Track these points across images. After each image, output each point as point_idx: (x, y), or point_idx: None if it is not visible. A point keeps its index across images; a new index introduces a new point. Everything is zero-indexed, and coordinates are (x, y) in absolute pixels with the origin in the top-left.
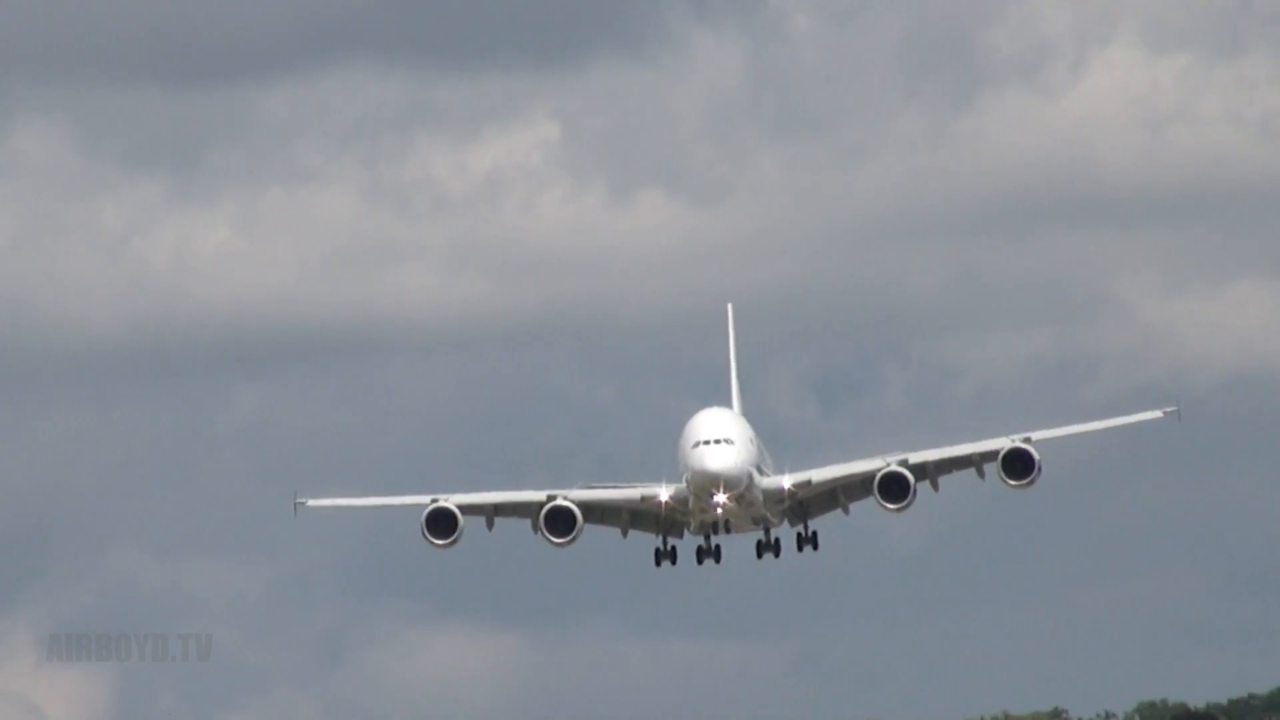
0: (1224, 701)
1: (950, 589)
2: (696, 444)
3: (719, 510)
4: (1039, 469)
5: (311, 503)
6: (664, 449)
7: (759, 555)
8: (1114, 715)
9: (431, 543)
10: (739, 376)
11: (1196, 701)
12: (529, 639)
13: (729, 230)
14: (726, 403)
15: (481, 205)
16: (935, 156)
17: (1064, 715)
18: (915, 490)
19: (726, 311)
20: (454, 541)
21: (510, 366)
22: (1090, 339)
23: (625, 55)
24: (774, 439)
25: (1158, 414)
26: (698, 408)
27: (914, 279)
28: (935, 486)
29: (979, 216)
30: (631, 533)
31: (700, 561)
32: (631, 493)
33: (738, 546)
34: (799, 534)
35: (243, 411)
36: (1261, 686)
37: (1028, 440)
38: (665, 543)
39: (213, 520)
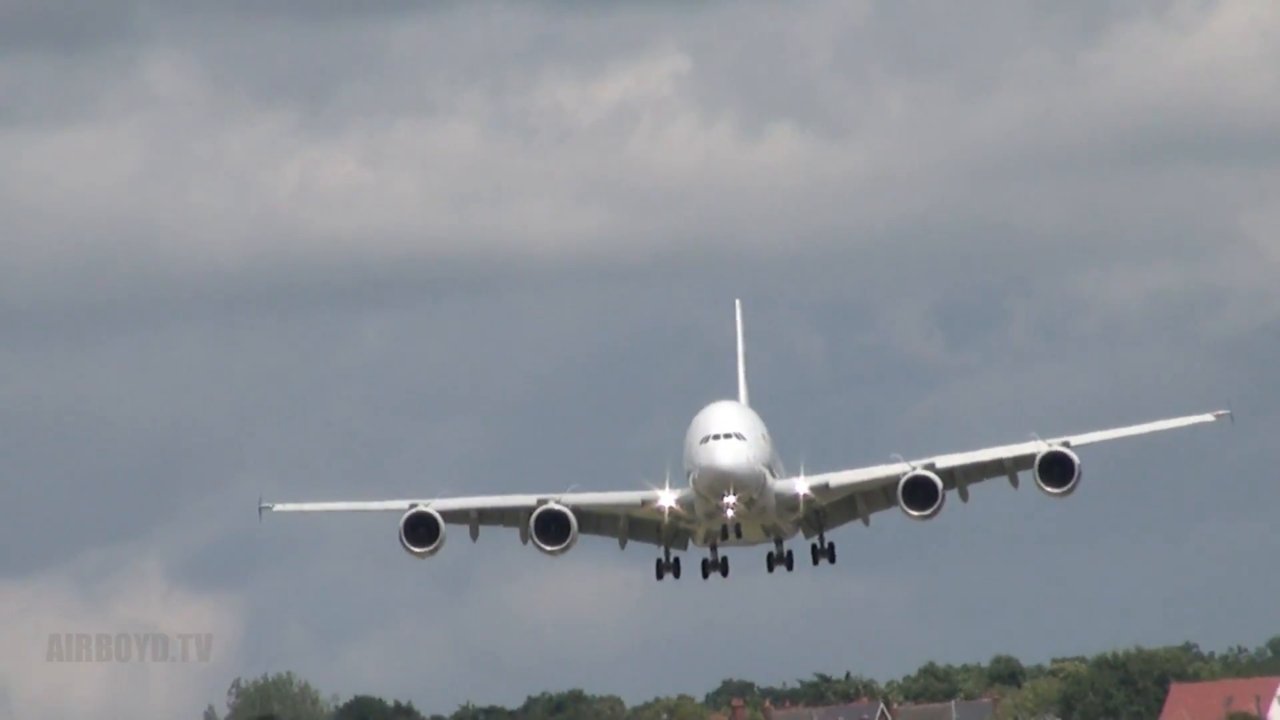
0: None
1: (1080, 526)
2: (705, 439)
3: (728, 514)
4: (1079, 475)
5: (278, 508)
6: (792, 382)
7: (770, 568)
8: (1245, 650)
9: (410, 550)
10: (746, 372)
11: None
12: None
13: (857, 164)
14: (738, 397)
15: (609, 138)
16: (1062, 92)
17: (1195, 650)
18: (944, 497)
19: (735, 308)
20: (434, 550)
21: (636, 301)
22: (1216, 275)
23: None
24: (903, 372)
25: (1209, 418)
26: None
27: (1039, 214)
28: (964, 496)
29: (1106, 152)
30: (631, 544)
31: (705, 575)
32: (631, 497)
33: (745, 560)
34: (814, 545)
35: (366, 342)
36: None
37: (1066, 444)
38: (668, 554)
39: (337, 449)
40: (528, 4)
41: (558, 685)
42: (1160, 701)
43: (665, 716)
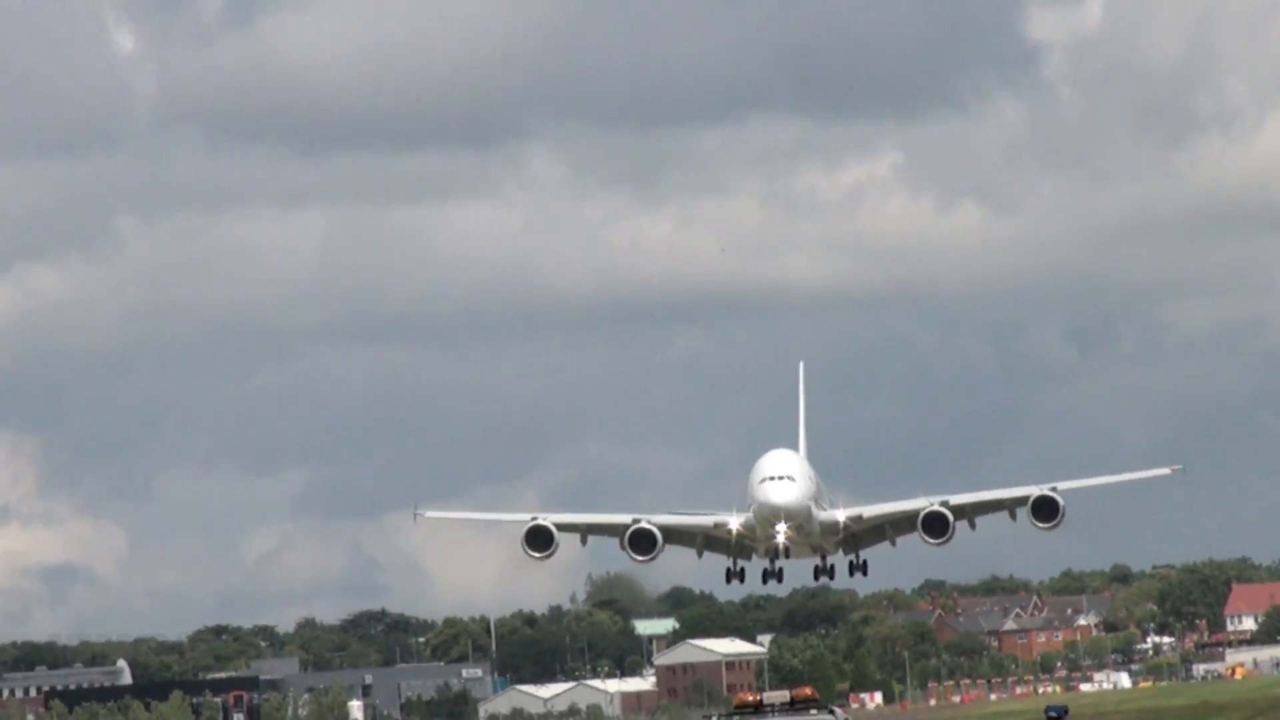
0: None
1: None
2: (763, 480)
3: (781, 538)
4: (1063, 514)
5: (429, 514)
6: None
7: (816, 579)
8: None
9: (530, 555)
10: (807, 430)
11: None
12: None
13: (1018, 231)
14: (796, 447)
15: (847, 209)
16: (1157, 182)
17: (1250, 561)
18: (954, 528)
19: (798, 370)
20: (549, 555)
21: (864, 328)
22: (1265, 309)
23: (949, 108)
24: (1047, 371)
25: (1166, 471)
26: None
27: (1143, 264)
28: (973, 525)
29: (1191, 223)
30: (706, 554)
31: (765, 582)
32: (706, 520)
33: (798, 570)
34: (851, 561)
35: (678, 348)
36: None
37: (1054, 489)
38: (735, 564)
39: (658, 422)
40: (794, 117)
41: (806, 579)
42: (1225, 597)
43: (885, 602)
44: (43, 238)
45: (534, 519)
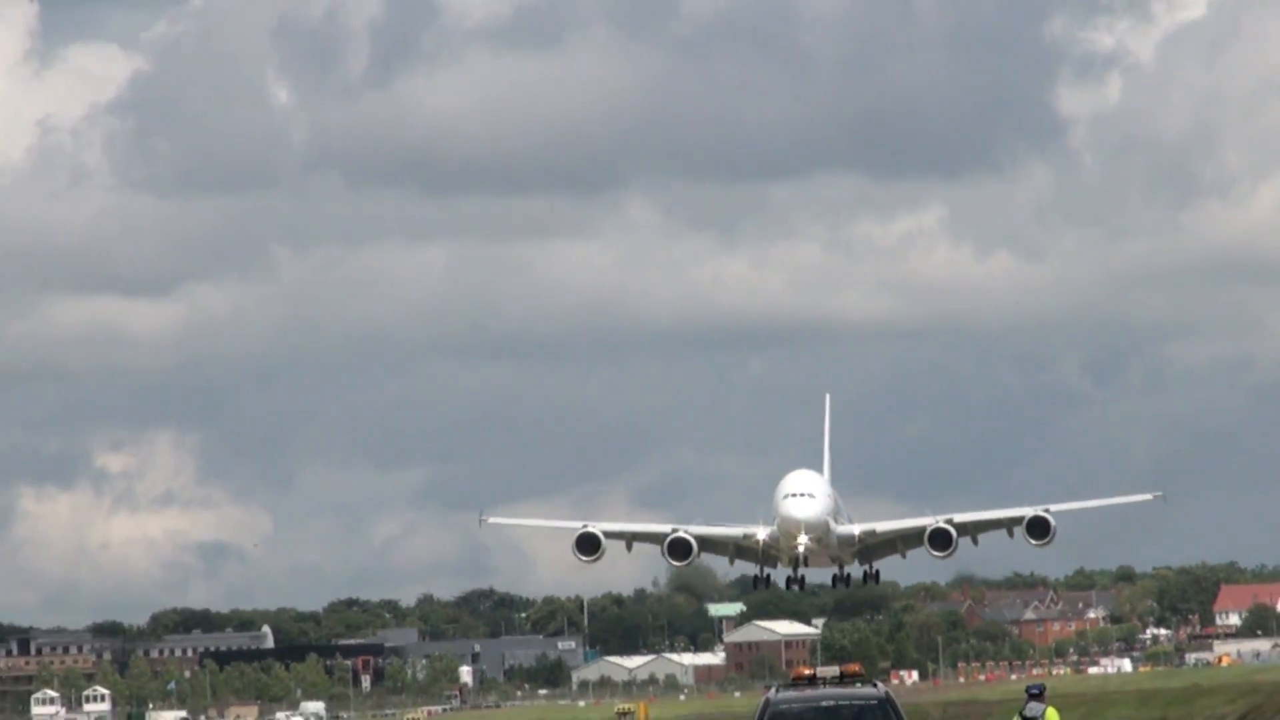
0: None
1: (1173, 493)
2: (786, 496)
3: (801, 549)
4: (1054, 532)
5: (491, 520)
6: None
7: (834, 585)
8: (1267, 566)
9: (579, 558)
10: (830, 453)
11: None
12: None
13: (1046, 278)
14: (821, 468)
15: (897, 255)
16: (1165, 238)
17: (1236, 564)
18: (957, 543)
19: (824, 401)
20: (597, 559)
21: (909, 357)
22: (1252, 348)
23: (987, 170)
24: (1066, 399)
25: (1148, 497)
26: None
27: (1151, 308)
28: (975, 541)
29: (1193, 274)
30: (736, 561)
31: (789, 588)
32: (736, 531)
33: (818, 577)
34: (865, 571)
35: (750, 371)
36: None
37: (1047, 510)
38: (762, 570)
39: (730, 435)
40: (854, 175)
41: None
42: (1215, 596)
43: (923, 593)
44: (207, 262)
45: (584, 526)
